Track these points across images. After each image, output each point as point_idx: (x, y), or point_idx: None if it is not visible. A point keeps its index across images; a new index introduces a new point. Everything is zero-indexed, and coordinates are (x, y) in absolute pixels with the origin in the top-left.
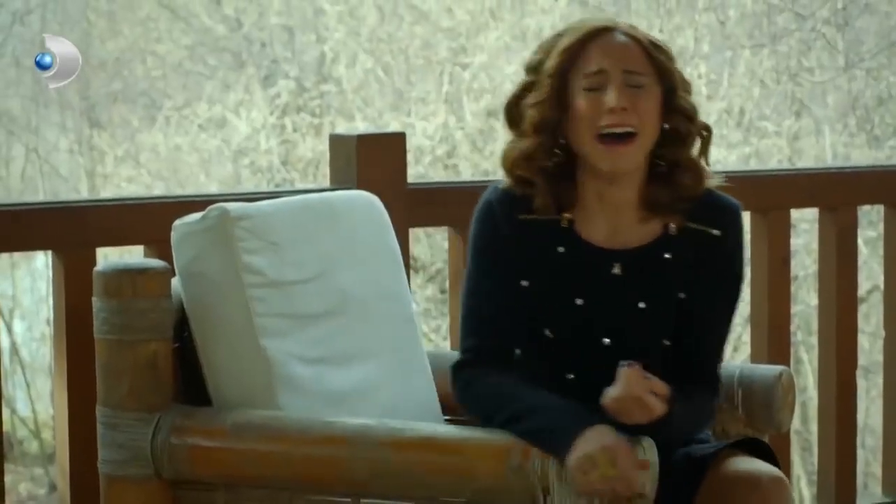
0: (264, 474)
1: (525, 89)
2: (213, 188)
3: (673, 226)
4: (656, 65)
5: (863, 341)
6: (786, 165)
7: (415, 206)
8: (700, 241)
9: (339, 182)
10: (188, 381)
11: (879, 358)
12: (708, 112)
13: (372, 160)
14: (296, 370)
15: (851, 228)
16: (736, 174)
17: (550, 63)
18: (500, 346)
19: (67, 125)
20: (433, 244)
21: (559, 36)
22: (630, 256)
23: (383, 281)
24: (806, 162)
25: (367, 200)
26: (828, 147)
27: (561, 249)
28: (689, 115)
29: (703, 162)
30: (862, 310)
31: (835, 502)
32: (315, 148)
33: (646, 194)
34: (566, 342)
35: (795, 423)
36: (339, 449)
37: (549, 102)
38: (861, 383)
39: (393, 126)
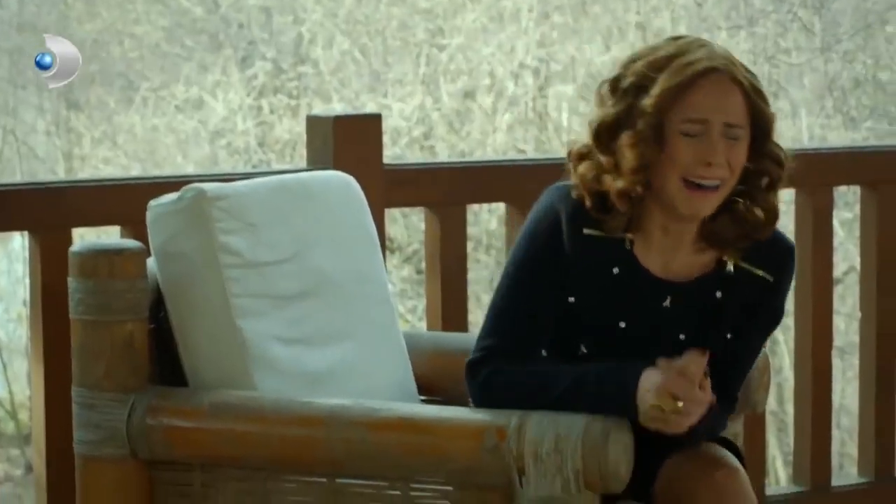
0: (241, 454)
1: (617, 115)
2: (189, 169)
3: (730, 265)
4: (753, 111)
5: (838, 322)
6: None
7: (391, 186)
8: (753, 282)
9: (315, 163)
10: (164, 361)
11: (855, 339)
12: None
13: (348, 141)
14: (272, 351)
15: (827, 210)
16: None
17: (650, 101)
18: (525, 351)
19: (45, 107)
20: (409, 225)
21: (655, 64)
22: (682, 290)
23: (359, 262)
24: (783, 144)
25: (343, 181)
26: (804, 129)
27: (616, 270)
28: (780, 161)
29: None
30: (837, 291)
31: (810, 483)
32: (292, 129)
33: (710, 227)
34: (598, 359)
35: (771, 404)
36: (315, 429)
37: (649, 144)
38: (836, 364)
39: (370, 107)
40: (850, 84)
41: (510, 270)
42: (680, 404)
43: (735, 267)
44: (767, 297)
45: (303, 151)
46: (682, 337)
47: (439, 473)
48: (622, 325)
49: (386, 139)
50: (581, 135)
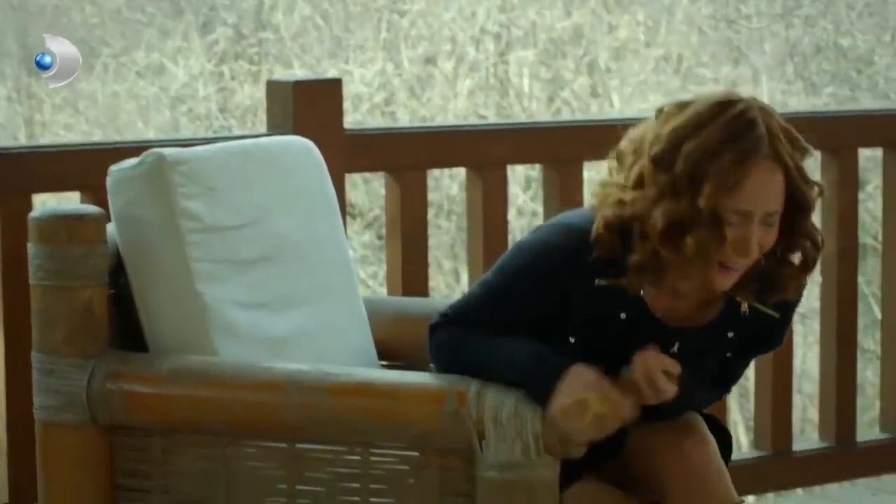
0: (200, 420)
1: (680, 214)
2: (150, 135)
3: (744, 306)
4: (792, 192)
5: None
6: None
7: (351, 151)
8: (763, 319)
9: (275, 128)
10: (124, 326)
11: (817, 304)
12: (646, 59)
13: (308, 106)
14: (232, 316)
15: None
16: None
17: (706, 202)
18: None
19: (6, 73)
20: (371, 191)
21: (708, 151)
22: (692, 336)
23: (319, 227)
24: None
25: (303, 146)
26: (765, 94)
27: (623, 316)
28: (817, 243)
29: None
30: None
31: (771, 448)
32: (253, 95)
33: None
34: None
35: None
36: (274, 394)
37: (712, 244)
38: (798, 329)
39: (331, 73)
40: (811, 50)
41: (508, 277)
42: (599, 407)
43: (749, 307)
44: (774, 331)
45: (264, 117)
46: (684, 376)
47: (399, 438)
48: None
49: (347, 105)
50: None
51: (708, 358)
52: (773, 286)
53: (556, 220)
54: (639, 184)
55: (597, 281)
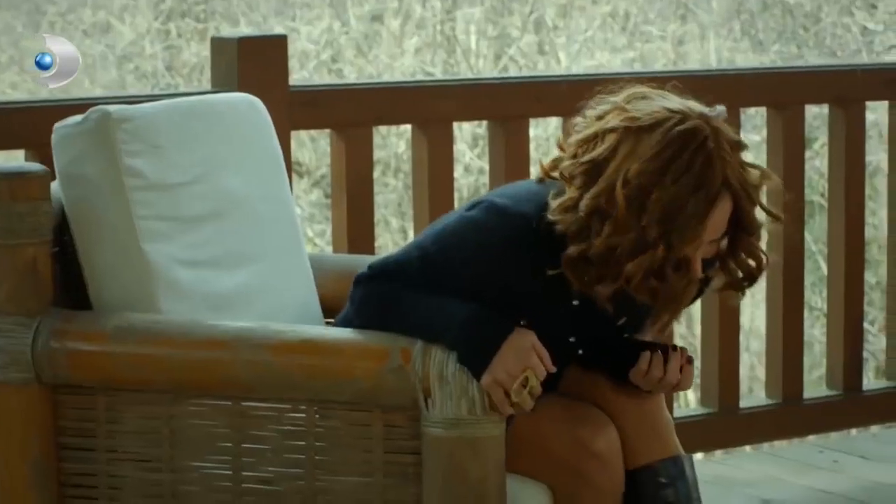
0: (145, 378)
1: (630, 237)
2: (97, 93)
3: None
4: (741, 217)
5: None
6: (670, 68)
7: (297, 108)
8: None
9: (220, 85)
10: (69, 285)
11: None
12: (593, 16)
13: (253, 63)
14: (177, 273)
15: (734, 131)
16: (619, 76)
17: (678, 251)
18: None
19: None
20: (318, 149)
21: (677, 204)
22: (639, 310)
23: (265, 184)
24: (690, 66)
25: (248, 103)
26: (712, 52)
27: (575, 303)
28: (760, 262)
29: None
30: None
31: (718, 406)
32: (200, 53)
33: None
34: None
35: (680, 328)
36: (219, 352)
37: (679, 280)
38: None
39: (278, 30)
40: (757, 7)
41: (450, 249)
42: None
43: None
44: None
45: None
46: (622, 321)
47: (344, 395)
48: (571, 339)
49: (294, 62)
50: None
51: (644, 313)
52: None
53: (502, 205)
54: (597, 215)
55: (548, 272)
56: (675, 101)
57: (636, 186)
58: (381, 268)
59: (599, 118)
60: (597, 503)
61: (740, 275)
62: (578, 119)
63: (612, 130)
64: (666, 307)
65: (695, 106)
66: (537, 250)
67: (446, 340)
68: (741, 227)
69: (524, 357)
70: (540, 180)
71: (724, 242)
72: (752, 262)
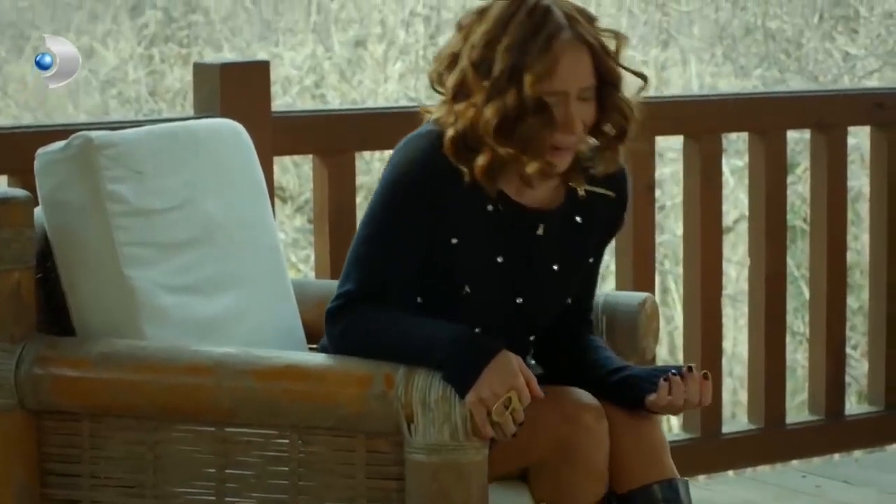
0: (129, 404)
1: (507, 110)
2: (81, 119)
3: (581, 191)
4: (601, 69)
5: (730, 270)
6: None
7: (279, 134)
8: (601, 203)
9: (203, 111)
10: (52, 311)
11: (746, 286)
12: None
13: (236, 89)
14: (160, 299)
15: (716, 156)
16: None
17: (531, 91)
18: (391, 296)
19: None
20: (301, 174)
21: (521, 48)
22: (550, 218)
23: (248, 209)
24: (672, 91)
25: (231, 129)
26: (694, 76)
27: (490, 208)
28: (626, 114)
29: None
30: (729, 239)
31: (700, 430)
32: (183, 78)
33: None
34: (481, 297)
35: (663, 353)
36: (203, 378)
37: (547, 127)
38: (729, 312)
39: (261, 56)
40: (739, 32)
41: (379, 216)
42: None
43: (585, 191)
44: (614, 215)
45: None
46: (555, 267)
47: (327, 421)
48: (500, 259)
49: (277, 88)
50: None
51: (572, 253)
52: (593, 161)
53: (401, 143)
54: (461, 93)
55: (465, 178)
56: None
57: (481, 49)
58: (346, 295)
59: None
60: (581, 477)
61: (612, 131)
62: None
63: (461, 26)
64: (529, 154)
65: None
66: (449, 161)
67: (432, 361)
68: (603, 80)
69: (510, 378)
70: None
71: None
72: (619, 116)
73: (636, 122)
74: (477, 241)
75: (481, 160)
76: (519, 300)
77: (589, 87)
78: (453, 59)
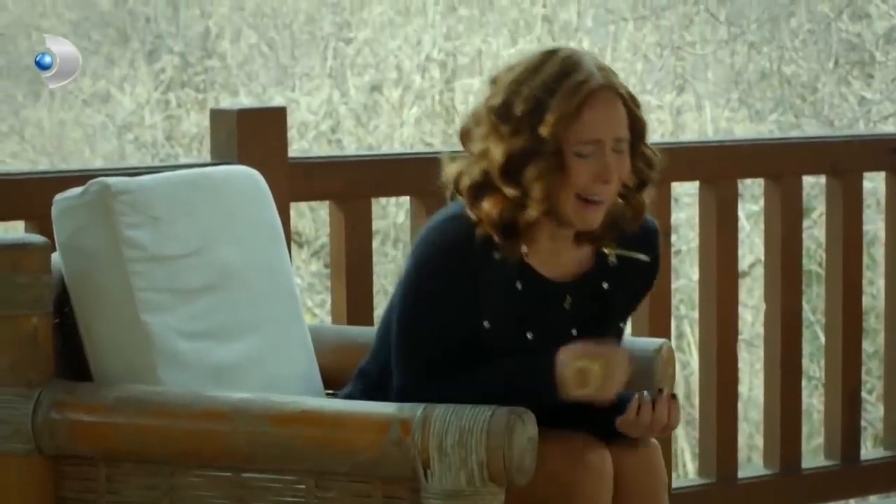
0: (146, 449)
1: (522, 148)
2: (97, 163)
3: (612, 256)
4: (632, 119)
5: (746, 315)
6: (668, 139)
7: (296, 180)
8: (632, 266)
9: (219, 157)
10: (69, 356)
11: (761, 331)
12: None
13: (253, 134)
14: (177, 345)
15: (732, 201)
16: None
17: (548, 130)
18: (450, 367)
19: None
20: (317, 219)
21: (545, 88)
22: (576, 288)
23: (264, 255)
24: (688, 137)
25: (247, 175)
26: (709, 121)
27: (519, 286)
28: (652, 163)
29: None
30: (745, 283)
31: (716, 475)
32: (199, 123)
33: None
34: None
35: (680, 398)
36: (219, 423)
37: (554, 173)
38: (744, 357)
39: (277, 101)
40: (755, 77)
41: (418, 296)
42: (597, 367)
43: (616, 257)
44: (646, 277)
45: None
46: (574, 332)
47: (344, 467)
48: (529, 335)
49: (293, 133)
50: (455, 160)
51: (598, 318)
52: (622, 217)
53: (432, 224)
54: (485, 150)
55: (495, 256)
56: None
57: (506, 92)
58: (406, 378)
59: None
60: None
61: (636, 182)
62: None
63: (489, 83)
64: (539, 202)
65: None
66: (480, 239)
67: (516, 395)
68: (633, 133)
69: (579, 355)
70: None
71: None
72: (645, 166)
73: (658, 170)
74: (507, 322)
75: (492, 211)
76: (574, 331)
77: (623, 140)
78: (476, 118)
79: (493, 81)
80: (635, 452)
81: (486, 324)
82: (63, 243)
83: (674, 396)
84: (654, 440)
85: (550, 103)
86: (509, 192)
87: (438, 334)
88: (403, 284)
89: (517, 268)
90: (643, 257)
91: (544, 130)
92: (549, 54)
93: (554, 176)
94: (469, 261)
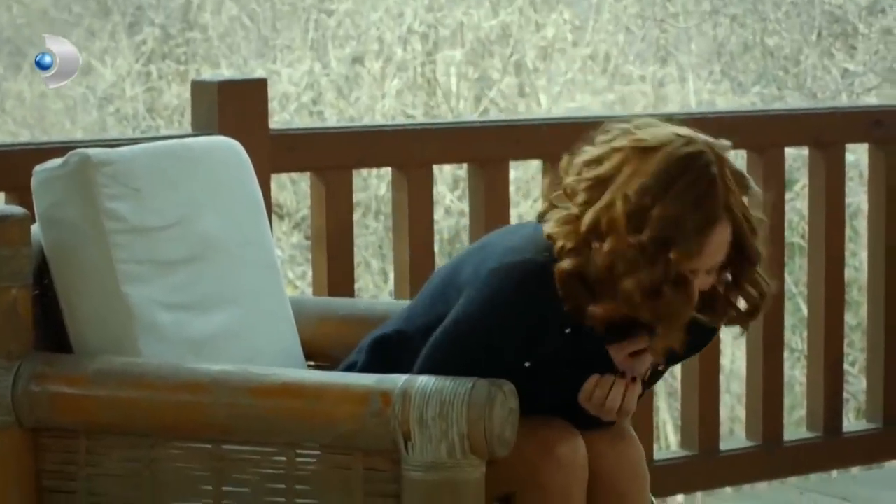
0: (126, 421)
1: (655, 278)
2: (78, 135)
3: None
4: (742, 244)
5: None
6: (650, 112)
7: (277, 151)
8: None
9: (200, 128)
10: (49, 328)
11: (743, 304)
12: (573, 59)
13: (234, 106)
14: (157, 316)
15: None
16: (600, 119)
17: (674, 267)
18: None
19: None
20: (299, 191)
21: (678, 220)
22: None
23: (245, 227)
24: (670, 109)
25: (228, 146)
26: (692, 93)
27: (567, 331)
28: (764, 291)
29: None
30: None
31: (698, 448)
32: (180, 95)
33: None
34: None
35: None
36: (200, 395)
37: (676, 299)
38: (726, 329)
39: (258, 73)
40: (738, 49)
41: (478, 323)
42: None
43: None
44: (705, 339)
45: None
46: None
47: (324, 439)
48: (566, 370)
49: (275, 105)
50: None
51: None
52: (711, 311)
53: (514, 260)
54: (597, 230)
55: (566, 330)
56: (682, 128)
57: (637, 203)
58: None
59: (609, 140)
60: None
61: (745, 306)
62: (586, 147)
63: (618, 150)
64: (664, 327)
65: (701, 135)
66: (554, 295)
67: None
68: (743, 257)
69: None
70: (540, 217)
71: (727, 276)
72: (754, 293)
73: (769, 299)
74: (549, 362)
75: (602, 312)
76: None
77: (719, 263)
78: (597, 185)
79: (613, 150)
80: (613, 447)
81: (526, 364)
82: (43, 215)
83: (633, 380)
84: (632, 433)
85: (676, 238)
86: (643, 316)
87: (483, 356)
88: (474, 295)
89: (567, 315)
90: (709, 322)
91: (672, 268)
92: (687, 165)
93: (683, 306)
94: (539, 314)
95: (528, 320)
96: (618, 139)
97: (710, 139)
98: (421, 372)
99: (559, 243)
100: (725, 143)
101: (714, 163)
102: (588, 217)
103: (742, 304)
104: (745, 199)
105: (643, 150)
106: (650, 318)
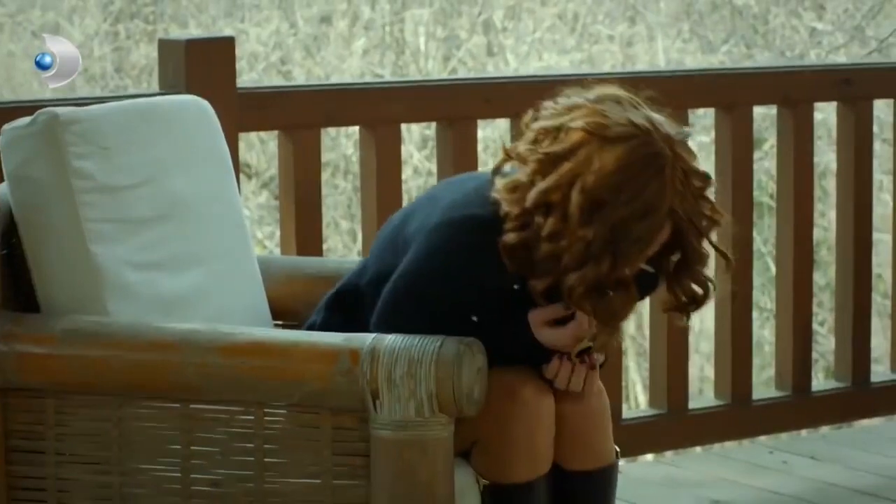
0: (94, 381)
1: (575, 245)
2: (46, 95)
3: None
4: (684, 244)
5: None
6: (619, 70)
7: (245, 110)
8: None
9: (168, 87)
10: (17, 287)
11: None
12: (541, 18)
13: (201, 65)
14: (125, 276)
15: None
16: (568, 78)
17: (617, 270)
18: None
19: None
20: (267, 150)
21: (619, 222)
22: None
23: (213, 186)
24: (639, 67)
25: (196, 105)
26: (661, 52)
27: (516, 287)
28: (707, 290)
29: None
30: None
31: (667, 406)
32: (149, 55)
33: None
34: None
35: (630, 329)
36: (168, 354)
37: (620, 297)
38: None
39: (227, 32)
40: (706, 8)
41: (425, 281)
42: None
43: None
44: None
45: None
46: None
47: (293, 397)
48: (512, 326)
49: (243, 64)
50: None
51: None
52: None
53: (458, 216)
54: (543, 207)
55: (514, 286)
56: (644, 116)
57: (590, 198)
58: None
59: (568, 111)
60: (519, 454)
61: (685, 299)
62: (548, 103)
63: (577, 129)
64: (603, 323)
65: (663, 125)
66: (496, 246)
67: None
68: (687, 257)
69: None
70: (496, 170)
71: (673, 262)
72: (697, 289)
73: (709, 300)
74: (496, 316)
75: (541, 286)
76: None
77: (669, 254)
78: (549, 162)
79: (586, 133)
80: (579, 397)
81: (473, 318)
82: (11, 173)
83: (593, 367)
84: (600, 385)
85: (621, 245)
86: (581, 308)
87: (430, 310)
88: (420, 249)
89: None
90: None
91: (619, 271)
92: (644, 166)
93: (625, 304)
94: (485, 262)
95: (472, 273)
96: (577, 113)
97: (670, 131)
98: (376, 329)
99: (504, 207)
100: (686, 130)
101: (668, 164)
102: (534, 194)
103: (683, 297)
104: (695, 189)
105: (601, 139)
106: (590, 313)
